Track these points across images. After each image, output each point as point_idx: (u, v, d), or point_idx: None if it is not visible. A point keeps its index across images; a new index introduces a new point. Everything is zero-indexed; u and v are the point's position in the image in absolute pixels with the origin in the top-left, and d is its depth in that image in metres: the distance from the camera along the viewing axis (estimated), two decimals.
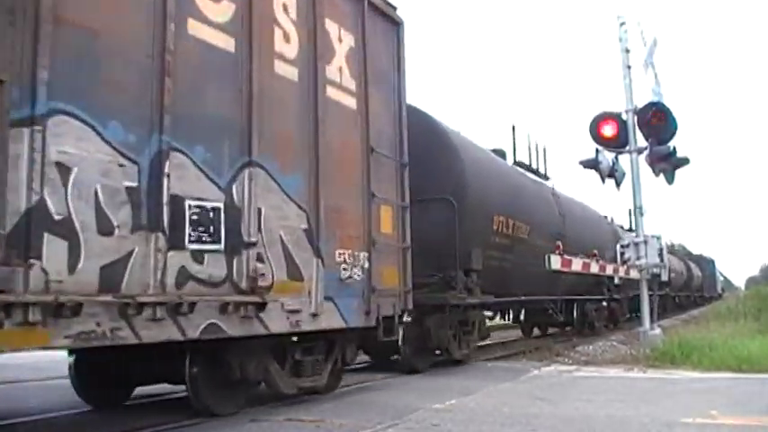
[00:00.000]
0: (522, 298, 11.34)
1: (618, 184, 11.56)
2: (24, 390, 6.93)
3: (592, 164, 11.18)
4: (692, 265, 34.17)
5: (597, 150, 11.11)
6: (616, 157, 11.32)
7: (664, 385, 6.79)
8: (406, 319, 7.20)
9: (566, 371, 8.25)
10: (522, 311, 14.95)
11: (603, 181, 11.41)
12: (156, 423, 4.89)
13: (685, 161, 10.91)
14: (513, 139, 12.22)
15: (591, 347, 11.19)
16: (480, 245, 9.18)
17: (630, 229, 21.12)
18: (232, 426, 4.83)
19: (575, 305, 14.96)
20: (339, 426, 4.74)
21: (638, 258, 11.02)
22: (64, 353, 5.43)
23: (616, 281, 15.32)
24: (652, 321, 11.04)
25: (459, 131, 9.83)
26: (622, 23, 11.44)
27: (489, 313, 11.60)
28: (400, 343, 7.61)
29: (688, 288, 31.69)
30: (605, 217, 18.80)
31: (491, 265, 9.59)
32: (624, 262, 11.49)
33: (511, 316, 15.04)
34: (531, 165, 12.69)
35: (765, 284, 36.64)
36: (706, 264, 41.41)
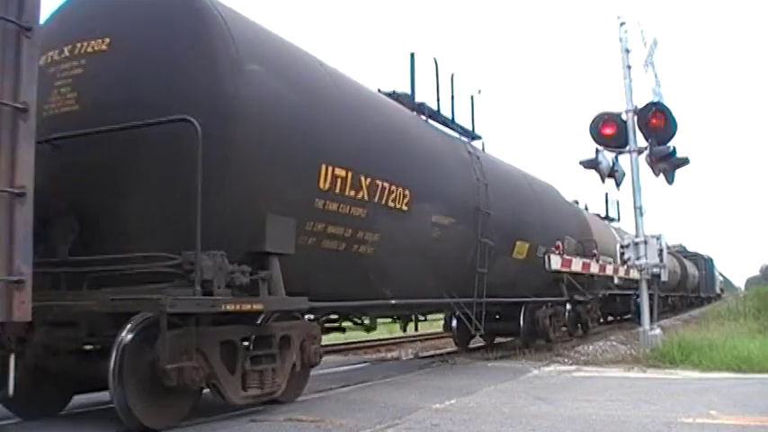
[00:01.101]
0: (393, 302, 7.32)
1: (618, 184, 11.57)
2: None
3: (592, 164, 11.19)
4: (688, 264, 32.05)
5: (597, 150, 11.12)
6: (616, 157, 11.32)
7: (663, 385, 6.79)
8: (124, 336, 4.40)
9: (565, 371, 8.25)
10: (454, 318, 11.55)
11: (603, 181, 11.44)
12: None
13: (685, 161, 10.93)
14: (412, 73, 8.47)
15: (591, 347, 11.19)
16: (288, 211, 5.46)
17: (607, 218, 20.12)
18: (232, 426, 4.83)
19: (522, 309, 11.15)
20: (339, 426, 4.74)
21: (638, 258, 11.02)
22: None
23: (616, 280, 14.88)
24: (652, 321, 11.04)
25: (242, 15, 5.59)
26: (622, 23, 11.45)
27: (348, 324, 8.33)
28: (112, 381, 4.40)
29: (682, 288, 29.60)
30: (576, 202, 16.02)
31: (325, 249, 5.98)
32: (624, 262, 11.50)
33: (418, 325, 11.16)
34: (440, 110, 8.91)
35: (765, 284, 36.48)
36: (703, 262, 38.97)
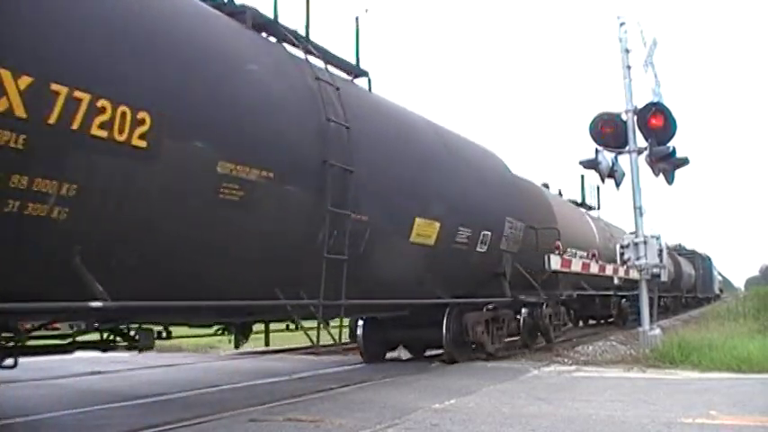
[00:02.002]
0: (97, 305, 3.90)
1: (617, 184, 11.58)
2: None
3: (591, 164, 11.20)
4: (683, 262, 30.00)
5: (597, 150, 11.13)
6: (616, 158, 11.33)
7: (663, 385, 6.78)
8: None
9: (565, 371, 8.25)
10: (362, 324, 9.22)
11: (603, 181, 11.48)
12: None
13: (685, 161, 10.93)
14: None
15: (591, 347, 11.19)
16: None
17: (584, 204, 17.95)
18: (232, 425, 4.83)
19: (446, 313, 8.74)
20: (338, 425, 4.74)
21: (638, 259, 11.03)
22: None
23: (616, 281, 13.32)
24: (651, 321, 11.04)
25: None
26: (622, 24, 11.45)
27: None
28: None
29: (677, 288, 27.39)
30: (546, 185, 13.99)
31: None
32: (624, 262, 11.49)
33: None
34: (277, 18, 6.23)
35: (765, 285, 36.34)
36: (700, 261, 36.56)
